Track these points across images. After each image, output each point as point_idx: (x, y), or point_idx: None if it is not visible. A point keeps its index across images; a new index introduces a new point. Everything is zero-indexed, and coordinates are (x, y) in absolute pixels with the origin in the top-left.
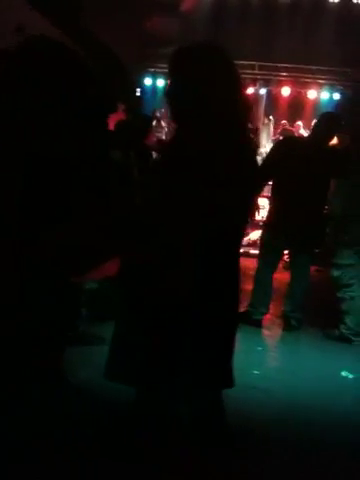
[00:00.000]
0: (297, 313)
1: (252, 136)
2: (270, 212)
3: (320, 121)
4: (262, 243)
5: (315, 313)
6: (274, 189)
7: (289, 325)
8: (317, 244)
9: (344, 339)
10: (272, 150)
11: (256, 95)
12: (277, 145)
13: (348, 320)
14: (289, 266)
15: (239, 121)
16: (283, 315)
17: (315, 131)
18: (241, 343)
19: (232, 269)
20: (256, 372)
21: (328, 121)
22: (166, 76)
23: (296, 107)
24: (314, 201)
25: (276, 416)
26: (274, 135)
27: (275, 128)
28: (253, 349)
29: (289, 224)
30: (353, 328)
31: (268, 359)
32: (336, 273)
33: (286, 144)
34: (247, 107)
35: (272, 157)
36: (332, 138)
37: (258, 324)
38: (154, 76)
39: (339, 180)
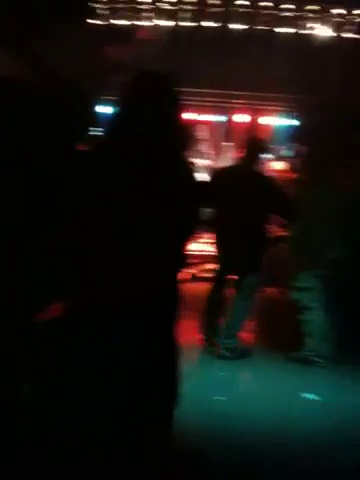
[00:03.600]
0: (231, 340)
1: (192, 163)
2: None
3: (246, 146)
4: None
5: (279, 335)
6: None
7: (219, 354)
8: (254, 269)
9: (306, 361)
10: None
11: (212, 122)
12: (211, 176)
13: (309, 342)
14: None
15: (173, 144)
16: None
17: (243, 157)
18: (203, 368)
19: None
20: (217, 398)
21: (253, 145)
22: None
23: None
24: (250, 226)
25: (236, 441)
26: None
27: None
28: (215, 375)
29: (227, 252)
30: (314, 350)
31: (230, 384)
32: (296, 296)
33: (218, 173)
34: (184, 132)
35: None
36: (257, 161)
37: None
38: (108, 104)
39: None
